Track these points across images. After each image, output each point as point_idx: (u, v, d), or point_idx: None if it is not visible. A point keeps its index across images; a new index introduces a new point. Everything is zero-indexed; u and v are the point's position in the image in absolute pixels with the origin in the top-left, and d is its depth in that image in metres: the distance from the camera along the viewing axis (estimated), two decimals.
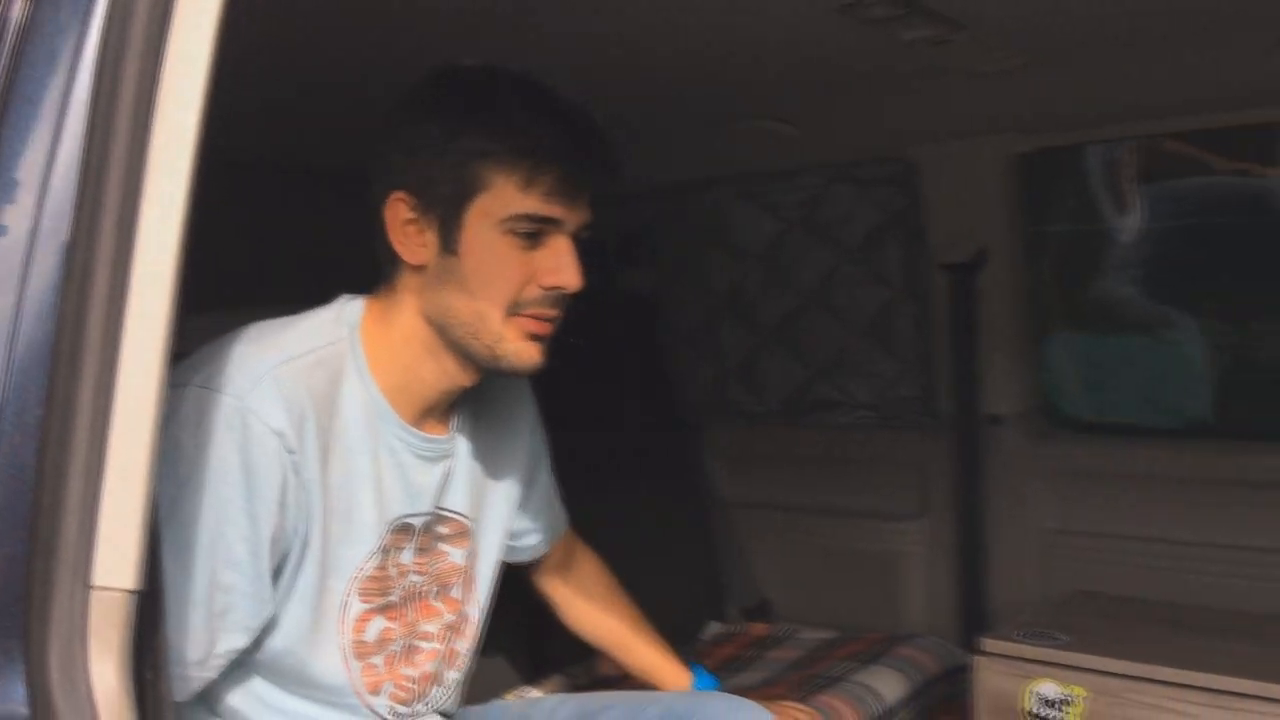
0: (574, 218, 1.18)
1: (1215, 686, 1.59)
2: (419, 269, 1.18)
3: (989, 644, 1.81)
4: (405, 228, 1.17)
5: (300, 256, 1.69)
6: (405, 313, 1.20)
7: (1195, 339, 2.70)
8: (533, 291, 1.17)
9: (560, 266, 1.16)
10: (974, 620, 2.29)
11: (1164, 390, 2.67)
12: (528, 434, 1.44)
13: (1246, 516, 2.08)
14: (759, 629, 2.51)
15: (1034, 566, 2.30)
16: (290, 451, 1.10)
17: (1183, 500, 2.16)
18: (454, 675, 1.34)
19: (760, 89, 1.89)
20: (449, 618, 1.31)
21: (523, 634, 2.03)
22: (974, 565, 2.34)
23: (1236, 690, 1.57)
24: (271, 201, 1.94)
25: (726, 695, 1.42)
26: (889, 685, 2.02)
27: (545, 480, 1.49)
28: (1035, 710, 1.73)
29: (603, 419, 2.37)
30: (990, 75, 1.78)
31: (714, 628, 2.51)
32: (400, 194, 1.17)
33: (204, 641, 1.08)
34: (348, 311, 1.21)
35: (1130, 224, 2.75)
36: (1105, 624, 1.88)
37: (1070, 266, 2.71)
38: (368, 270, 1.23)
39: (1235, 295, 2.61)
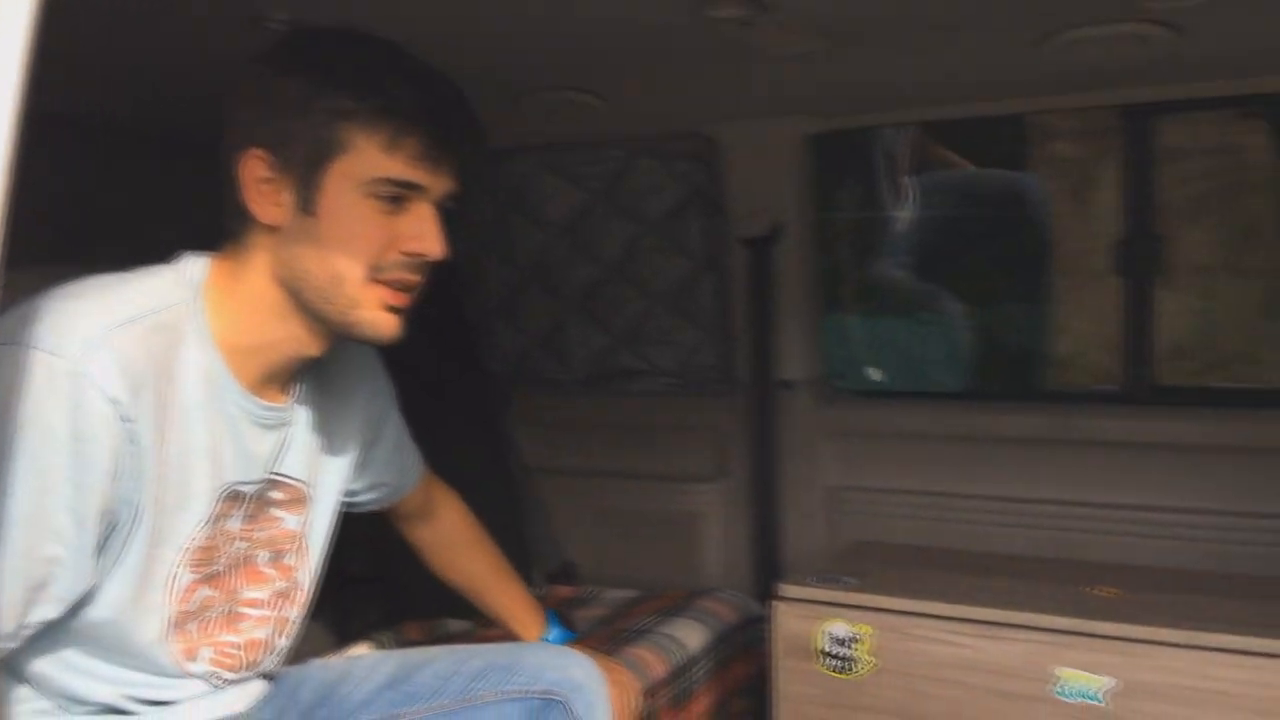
0: (438, 185, 1.17)
1: (984, 619, 1.76)
2: (272, 229, 1.15)
3: (785, 590, 1.93)
4: (260, 186, 1.14)
5: (124, 214, 1.62)
6: (255, 274, 1.16)
7: (956, 317, 2.97)
8: (393, 257, 1.15)
9: (422, 233, 1.15)
10: (767, 573, 2.43)
11: (930, 361, 2.91)
12: (368, 397, 1.43)
13: (1001, 470, 2.31)
14: (564, 591, 2.57)
15: (820, 521, 2.46)
16: (125, 420, 1.05)
17: (947, 457, 2.37)
18: (284, 642, 1.33)
19: (568, 61, 1.93)
20: (280, 584, 1.29)
21: (329, 601, 2.01)
22: (767, 521, 2.48)
23: (1001, 621, 1.75)
24: (97, 159, 1.85)
25: (551, 646, 1.47)
26: (692, 635, 2.12)
27: (390, 438, 1.48)
28: (827, 648, 1.87)
29: (411, 386, 2.36)
30: (788, 57, 1.89)
31: None
32: (257, 151, 1.13)
33: (17, 613, 1.02)
34: (191, 271, 1.17)
35: (904, 210, 2.98)
36: (886, 569, 2.04)
37: (851, 247, 2.91)
38: (197, 229, 1.19)
39: (988, 280, 2.88)
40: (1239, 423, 2.14)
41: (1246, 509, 2.05)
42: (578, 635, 1.71)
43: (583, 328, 2.76)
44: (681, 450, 2.63)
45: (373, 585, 2.25)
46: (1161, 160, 2.31)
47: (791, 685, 1.90)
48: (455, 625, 2.28)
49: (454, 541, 1.64)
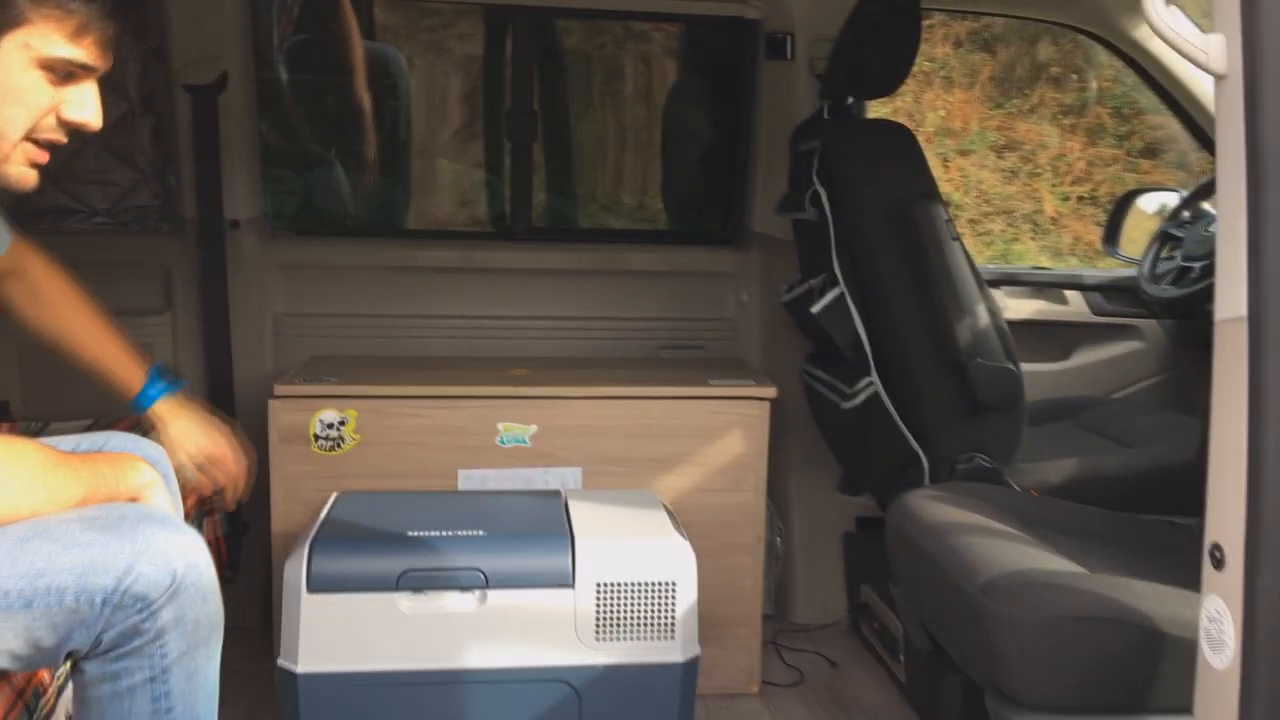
0: (106, 65, 1.29)
1: (443, 394, 2.32)
2: None
3: (280, 389, 2.29)
4: None
5: None
6: None
7: (368, 168, 3.37)
8: (51, 123, 1.27)
9: (86, 105, 1.28)
10: (220, 393, 2.70)
11: (353, 203, 3.30)
12: None
13: (421, 294, 2.86)
14: (4, 427, 2.56)
15: (270, 344, 2.79)
16: None
17: (377, 285, 2.85)
18: None
19: None
20: None
21: None
22: (218, 348, 2.73)
23: (457, 395, 2.33)
24: None
25: (129, 434, 1.67)
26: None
27: None
28: (319, 432, 2.27)
29: None
30: None
31: None
32: None
33: None
34: None
35: (327, 75, 3.28)
36: (354, 371, 2.48)
37: (284, 101, 3.15)
38: None
39: (393, 137, 3.32)
40: (592, 253, 2.93)
41: (601, 314, 2.87)
42: (183, 385, 1.84)
43: None
44: (124, 286, 2.72)
45: None
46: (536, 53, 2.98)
47: (288, 466, 2.27)
48: None
49: (49, 292, 1.71)
